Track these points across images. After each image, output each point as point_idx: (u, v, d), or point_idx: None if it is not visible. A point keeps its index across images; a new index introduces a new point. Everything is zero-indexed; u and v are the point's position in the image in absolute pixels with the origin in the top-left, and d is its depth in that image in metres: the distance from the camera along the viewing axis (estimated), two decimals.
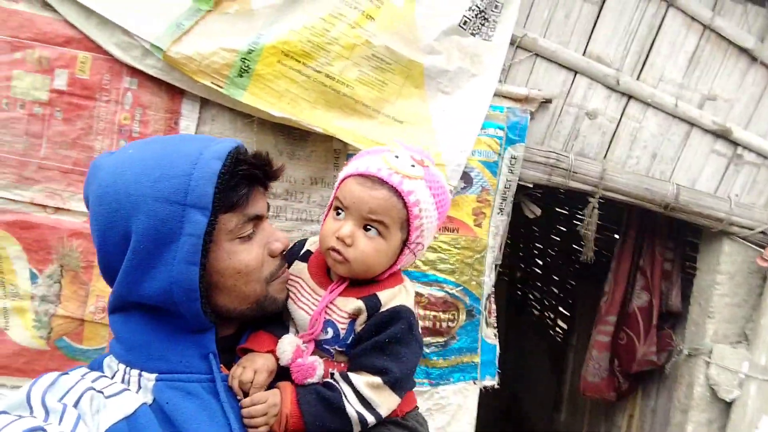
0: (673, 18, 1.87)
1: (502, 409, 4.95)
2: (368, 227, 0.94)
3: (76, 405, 0.74)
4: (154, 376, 0.84)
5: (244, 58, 1.36)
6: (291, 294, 1.02)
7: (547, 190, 1.94)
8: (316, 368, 0.92)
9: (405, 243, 0.98)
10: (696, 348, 2.41)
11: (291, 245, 1.10)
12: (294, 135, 1.58)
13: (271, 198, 1.62)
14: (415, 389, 1.09)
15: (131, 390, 0.83)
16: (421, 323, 1.65)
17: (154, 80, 1.42)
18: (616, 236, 3.05)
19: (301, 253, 1.09)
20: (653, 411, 3.14)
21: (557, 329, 4.28)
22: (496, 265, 1.84)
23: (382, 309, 0.95)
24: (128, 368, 0.85)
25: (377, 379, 0.90)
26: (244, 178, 0.84)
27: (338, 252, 0.94)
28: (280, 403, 0.88)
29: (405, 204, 0.93)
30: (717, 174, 2.11)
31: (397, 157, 0.95)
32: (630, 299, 2.91)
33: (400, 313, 0.95)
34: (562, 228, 4.13)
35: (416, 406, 1.08)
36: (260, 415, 0.86)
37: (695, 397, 2.41)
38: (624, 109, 1.90)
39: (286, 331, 1.00)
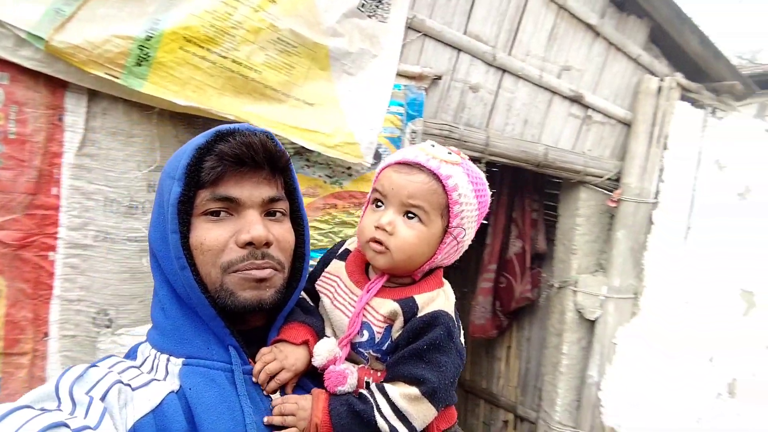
0: None
1: None
2: (409, 214, 0.90)
3: (103, 398, 0.73)
4: (181, 360, 0.84)
5: (143, 46, 1.26)
6: (328, 293, 0.98)
7: None
8: (347, 376, 0.88)
9: (446, 230, 0.93)
10: (564, 281, 2.84)
11: (332, 246, 1.10)
12: (196, 124, 1.51)
13: None
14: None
15: (158, 378, 0.83)
16: None
17: (30, 73, 1.26)
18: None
19: (340, 251, 1.05)
20: (528, 339, 3.65)
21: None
22: None
23: (420, 314, 0.89)
24: (158, 353, 0.87)
25: (414, 390, 0.84)
26: (216, 155, 0.83)
27: (379, 242, 0.89)
28: (311, 411, 0.84)
29: (444, 188, 0.89)
30: (573, 133, 2.47)
31: (433, 145, 0.93)
32: (507, 248, 3.31)
33: (438, 319, 0.89)
34: None
35: (456, 423, 1.01)
36: (289, 414, 0.83)
37: (567, 321, 2.86)
38: (500, 82, 2.12)
39: (321, 324, 0.97)
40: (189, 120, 1.49)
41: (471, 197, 0.92)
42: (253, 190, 0.87)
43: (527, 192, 3.28)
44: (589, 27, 2.29)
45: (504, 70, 2.11)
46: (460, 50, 1.97)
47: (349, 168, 1.70)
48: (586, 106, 2.43)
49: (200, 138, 0.85)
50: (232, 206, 0.86)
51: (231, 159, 0.83)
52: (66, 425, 0.62)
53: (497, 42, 2.07)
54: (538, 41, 2.18)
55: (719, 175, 2.75)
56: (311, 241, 1.73)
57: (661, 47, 2.63)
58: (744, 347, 3.05)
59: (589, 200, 2.67)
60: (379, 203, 0.93)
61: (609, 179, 2.62)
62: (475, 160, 2.12)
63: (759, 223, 2.90)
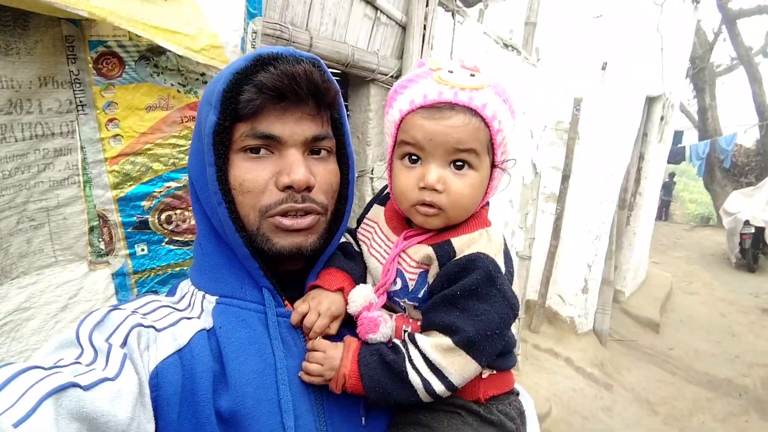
0: None
1: None
2: (458, 162, 0.79)
3: (123, 344, 0.70)
4: (215, 298, 0.83)
5: None
6: (365, 240, 0.93)
7: None
8: (379, 324, 0.81)
9: (493, 165, 0.83)
10: (362, 170, 3.19)
11: (379, 191, 1.02)
12: (4, 20, 1.12)
13: None
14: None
15: (192, 316, 0.82)
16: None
17: None
18: None
19: (382, 195, 0.97)
20: None
21: None
22: None
23: (457, 257, 0.80)
24: (196, 290, 0.87)
25: (446, 340, 0.76)
26: (255, 85, 0.76)
27: (429, 204, 0.79)
28: (341, 360, 0.79)
29: (484, 121, 0.78)
30: (367, 34, 2.66)
31: (450, 71, 0.79)
32: None
33: (475, 262, 0.78)
34: None
35: (512, 390, 0.90)
36: (315, 363, 0.78)
37: (366, 201, 3.24)
38: None
39: (361, 271, 0.91)
40: None
41: (508, 117, 0.82)
42: (295, 127, 0.80)
43: None
44: None
45: None
46: None
47: (203, 74, 1.53)
48: (376, 8, 2.62)
49: (240, 61, 0.77)
50: (273, 144, 0.80)
51: (271, 92, 0.75)
52: (76, 385, 0.57)
53: None
54: None
55: None
56: (171, 160, 1.60)
57: None
58: None
59: (377, 96, 2.98)
60: (414, 157, 0.82)
61: (391, 76, 2.96)
62: None
63: None
